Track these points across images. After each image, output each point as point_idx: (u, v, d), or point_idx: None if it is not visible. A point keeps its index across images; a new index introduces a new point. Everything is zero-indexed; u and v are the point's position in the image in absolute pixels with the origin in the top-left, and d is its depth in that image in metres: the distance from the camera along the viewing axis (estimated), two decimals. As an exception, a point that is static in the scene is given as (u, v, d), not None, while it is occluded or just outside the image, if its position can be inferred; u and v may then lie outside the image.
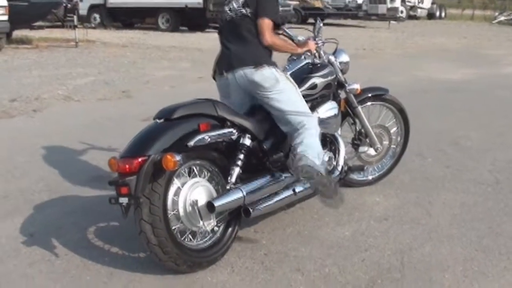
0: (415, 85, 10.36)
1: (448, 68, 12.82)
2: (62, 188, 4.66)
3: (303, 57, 4.20)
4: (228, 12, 3.78)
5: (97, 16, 23.19)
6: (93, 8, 23.15)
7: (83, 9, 22.87)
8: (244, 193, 3.38)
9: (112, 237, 3.76)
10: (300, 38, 4.10)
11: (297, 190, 3.73)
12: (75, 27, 15.77)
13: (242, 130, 3.53)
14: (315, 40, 4.22)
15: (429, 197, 4.60)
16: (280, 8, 19.89)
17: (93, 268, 3.37)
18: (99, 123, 6.92)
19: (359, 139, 4.65)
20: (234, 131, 3.47)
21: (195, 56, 13.85)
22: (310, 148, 3.65)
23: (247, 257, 3.53)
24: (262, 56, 3.67)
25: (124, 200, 2.98)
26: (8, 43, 14.89)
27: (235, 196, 3.36)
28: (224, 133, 3.41)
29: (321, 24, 4.33)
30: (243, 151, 3.52)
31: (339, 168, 4.18)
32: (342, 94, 4.51)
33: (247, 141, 3.54)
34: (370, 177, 4.83)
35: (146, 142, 3.11)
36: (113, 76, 10.52)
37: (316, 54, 4.19)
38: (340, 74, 4.39)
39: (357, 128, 4.66)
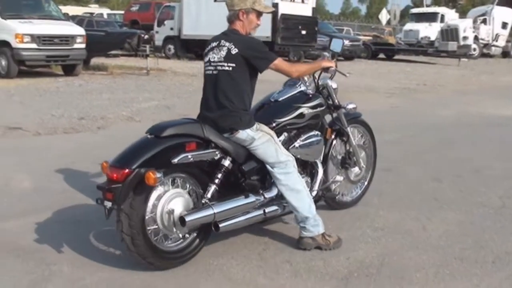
0: (462, 119, 10.71)
1: (503, 105, 12.96)
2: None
3: (297, 85, 4.52)
4: (208, 65, 3.94)
5: (171, 47, 24.54)
6: (168, 39, 24.55)
7: (158, 40, 24.33)
8: (215, 211, 3.72)
9: (106, 239, 4.21)
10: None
11: (267, 210, 4.06)
12: (147, 56, 16.98)
13: (224, 152, 3.86)
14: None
15: (430, 214, 5.00)
16: (349, 43, 20.60)
17: (87, 261, 3.86)
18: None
19: (350, 158, 4.98)
20: (217, 152, 3.82)
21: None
22: (298, 196, 4.00)
23: (247, 249, 4.12)
24: (236, 122, 3.84)
25: (108, 204, 3.46)
26: (85, 69, 16.26)
27: (206, 213, 3.70)
28: (207, 153, 3.77)
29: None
30: (222, 171, 3.86)
31: (314, 193, 4.41)
32: (331, 122, 4.85)
33: (227, 163, 3.87)
34: (349, 199, 5.15)
35: (134, 155, 3.52)
36: (175, 102, 11.40)
37: (307, 78, 4.53)
38: (335, 98, 4.74)
39: (347, 148, 4.98)
